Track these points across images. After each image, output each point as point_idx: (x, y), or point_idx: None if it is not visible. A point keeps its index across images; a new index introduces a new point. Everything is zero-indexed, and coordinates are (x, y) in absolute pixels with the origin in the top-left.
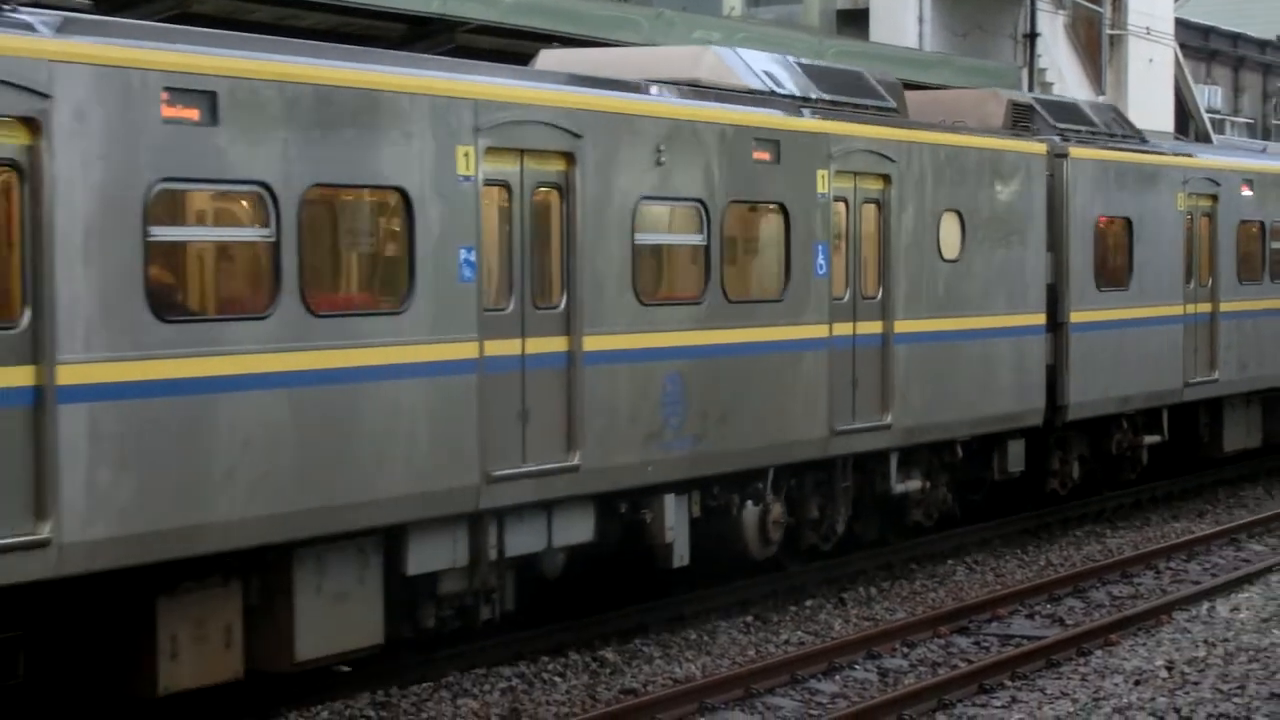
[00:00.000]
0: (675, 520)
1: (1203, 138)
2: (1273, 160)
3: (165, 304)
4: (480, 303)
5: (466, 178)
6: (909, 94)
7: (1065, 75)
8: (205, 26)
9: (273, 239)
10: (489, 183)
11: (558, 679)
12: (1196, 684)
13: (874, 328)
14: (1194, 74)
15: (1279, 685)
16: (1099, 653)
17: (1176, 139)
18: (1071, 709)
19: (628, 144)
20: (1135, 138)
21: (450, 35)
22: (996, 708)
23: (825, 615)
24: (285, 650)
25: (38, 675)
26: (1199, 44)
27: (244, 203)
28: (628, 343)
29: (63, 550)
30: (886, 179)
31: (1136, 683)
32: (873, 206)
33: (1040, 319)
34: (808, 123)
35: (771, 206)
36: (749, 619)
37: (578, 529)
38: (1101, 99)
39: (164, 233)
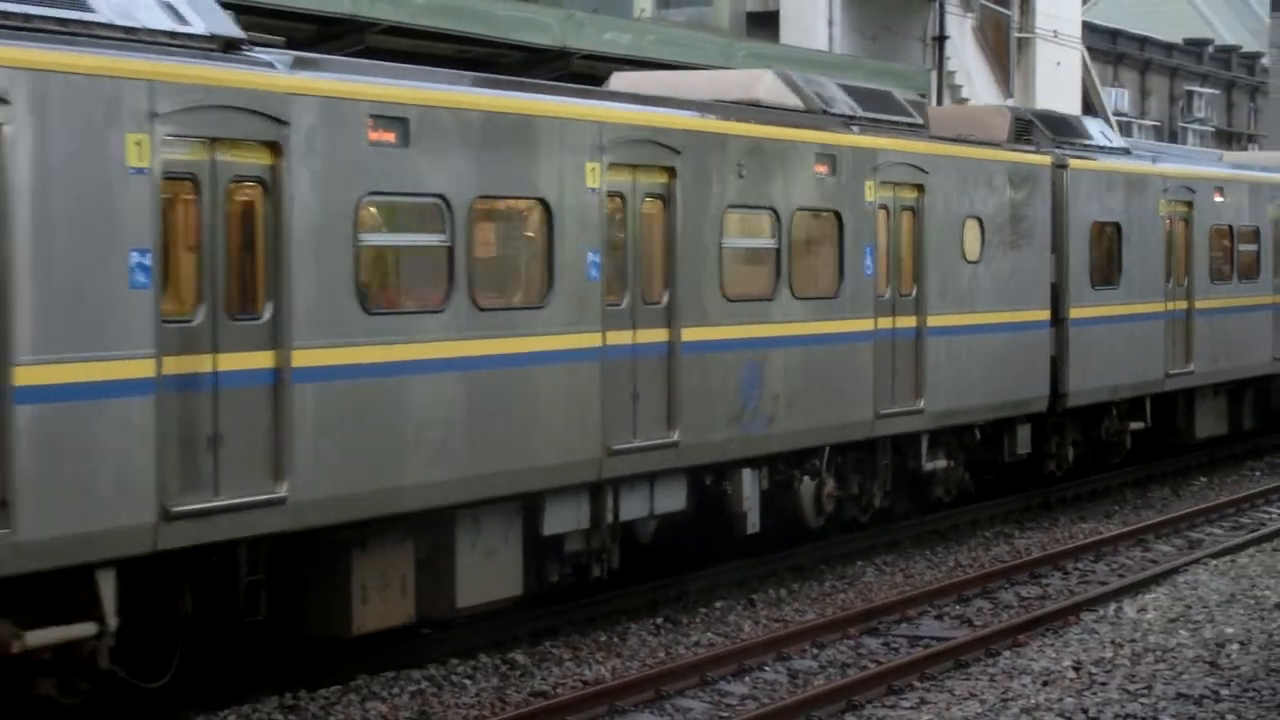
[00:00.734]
0: (750, 491)
1: None
2: (1234, 169)
3: (369, 299)
4: (603, 298)
5: (593, 189)
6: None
7: (974, 78)
8: None
9: (448, 243)
10: (610, 194)
11: (467, 681)
12: (1104, 684)
13: (910, 322)
14: (1101, 77)
15: (1185, 686)
16: (1007, 654)
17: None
18: (980, 710)
19: (717, 159)
20: (1121, 150)
21: (360, 36)
22: (905, 709)
23: (735, 617)
24: (448, 598)
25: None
26: (1106, 47)
27: (427, 212)
28: (715, 334)
29: (296, 508)
30: (920, 189)
31: (1044, 683)
32: (908, 213)
33: (1045, 314)
34: (858, 138)
35: (829, 214)
36: (659, 620)
37: (674, 498)
38: (1010, 102)
39: (369, 238)
